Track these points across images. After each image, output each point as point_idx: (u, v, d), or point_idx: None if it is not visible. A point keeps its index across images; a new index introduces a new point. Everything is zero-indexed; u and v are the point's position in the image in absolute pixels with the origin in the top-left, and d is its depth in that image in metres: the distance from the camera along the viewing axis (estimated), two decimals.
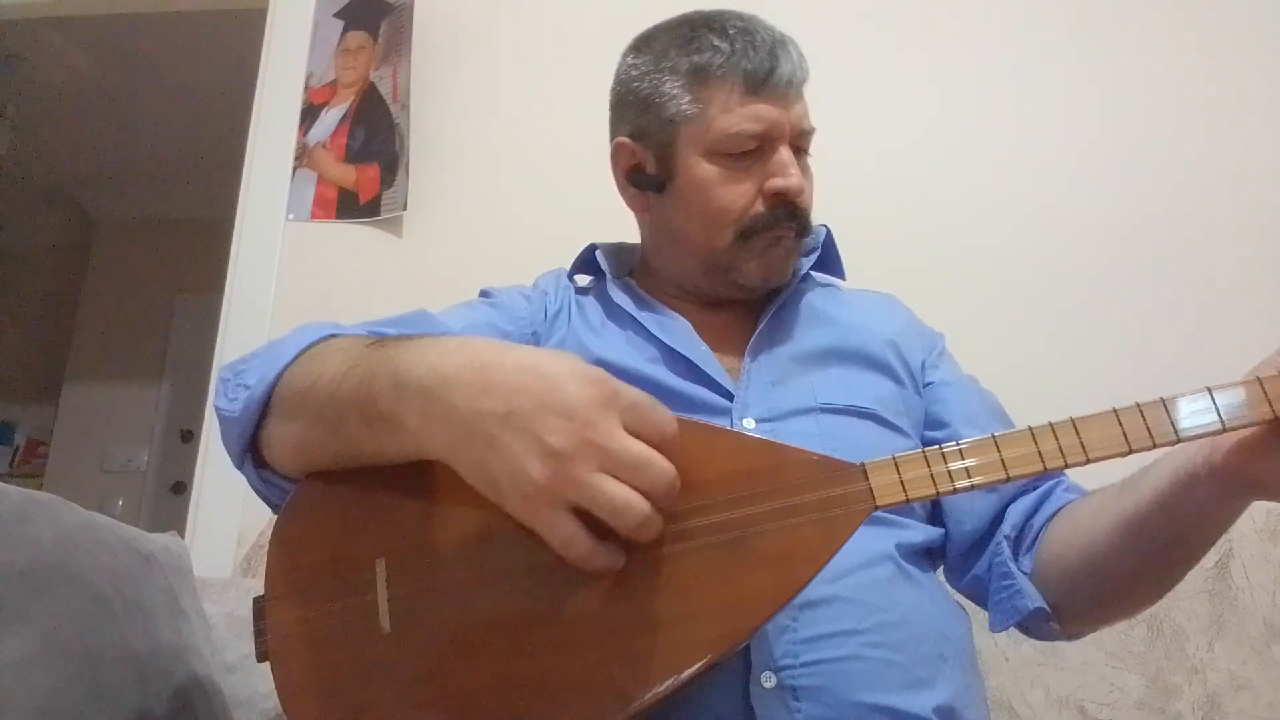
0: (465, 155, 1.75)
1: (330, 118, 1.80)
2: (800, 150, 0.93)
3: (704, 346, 0.90)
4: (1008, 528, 0.85)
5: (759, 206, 0.89)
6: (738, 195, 0.89)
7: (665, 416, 0.59)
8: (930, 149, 1.62)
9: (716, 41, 0.89)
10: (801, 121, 0.91)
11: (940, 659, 0.75)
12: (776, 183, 0.88)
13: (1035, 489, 0.87)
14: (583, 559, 0.57)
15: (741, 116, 0.88)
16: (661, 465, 0.57)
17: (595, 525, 0.57)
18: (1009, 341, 1.46)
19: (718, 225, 0.90)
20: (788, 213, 0.90)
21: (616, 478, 0.56)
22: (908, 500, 0.63)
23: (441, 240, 1.70)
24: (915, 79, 1.66)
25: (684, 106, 0.90)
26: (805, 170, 0.93)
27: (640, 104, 0.94)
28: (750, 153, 0.89)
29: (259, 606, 0.67)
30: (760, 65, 0.88)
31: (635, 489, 0.56)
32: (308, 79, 1.83)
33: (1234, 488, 0.66)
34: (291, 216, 1.74)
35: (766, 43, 0.89)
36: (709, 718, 0.69)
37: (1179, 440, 0.62)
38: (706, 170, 0.90)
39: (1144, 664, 1.21)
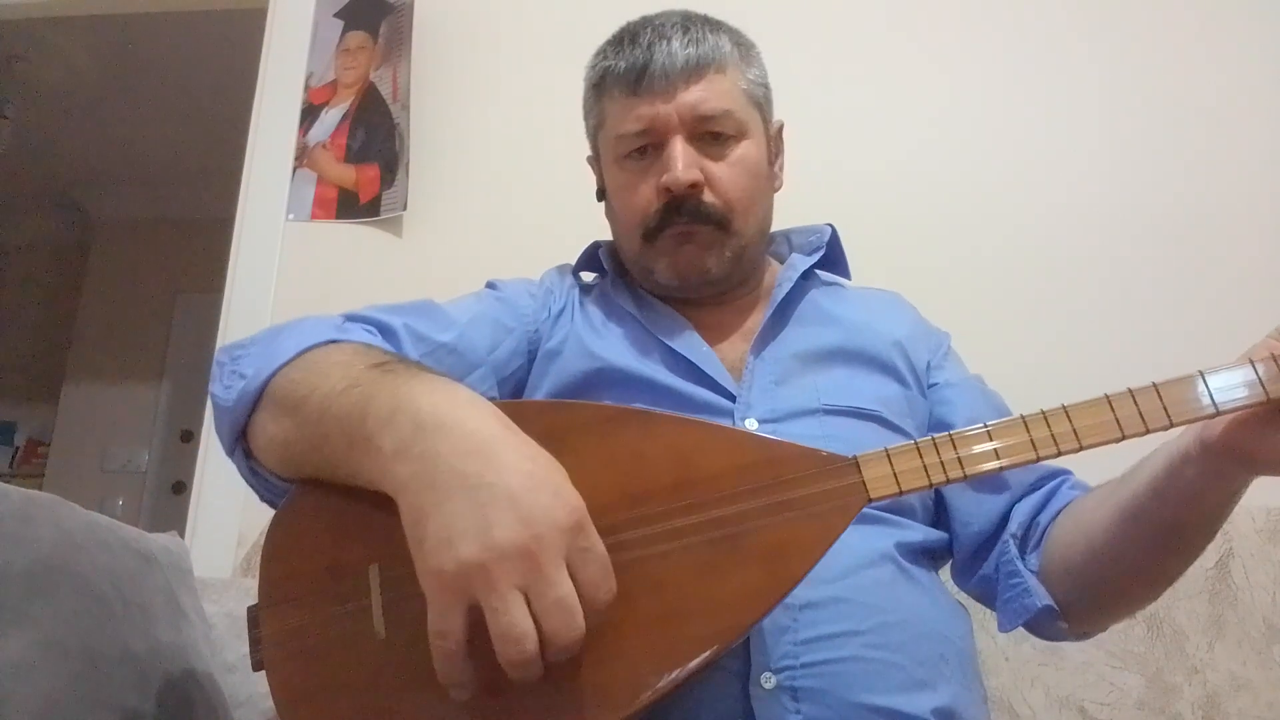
0: (465, 155, 1.75)
1: (330, 118, 1.80)
2: (717, 135, 0.89)
3: (705, 347, 0.89)
4: (1014, 526, 0.85)
5: (654, 205, 0.89)
6: (637, 198, 0.90)
7: (607, 587, 0.56)
8: (935, 148, 1.62)
9: (608, 49, 0.93)
10: (697, 107, 0.87)
11: (940, 660, 0.75)
12: (661, 179, 0.88)
13: (1040, 488, 0.87)
14: (442, 656, 0.54)
15: (623, 120, 0.90)
16: (576, 624, 0.54)
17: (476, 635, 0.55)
18: (1014, 340, 1.46)
19: (628, 229, 0.93)
20: (677, 207, 0.88)
21: (530, 604, 0.53)
22: (901, 492, 0.63)
23: (441, 240, 1.70)
24: (921, 79, 1.66)
25: (594, 119, 0.96)
26: (724, 154, 0.89)
27: (586, 123, 0.99)
28: (645, 152, 0.90)
29: (253, 615, 0.67)
30: (633, 63, 0.89)
31: (540, 626, 0.54)
32: (308, 79, 1.83)
33: (1223, 462, 0.66)
34: (291, 216, 1.74)
35: (645, 42, 0.89)
36: (709, 719, 0.69)
37: (1172, 425, 0.62)
38: (615, 176, 0.94)
39: (1144, 664, 1.21)
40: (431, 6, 1.81)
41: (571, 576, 0.55)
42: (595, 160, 1.00)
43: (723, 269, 0.91)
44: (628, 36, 0.92)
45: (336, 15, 1.87)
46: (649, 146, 0.89)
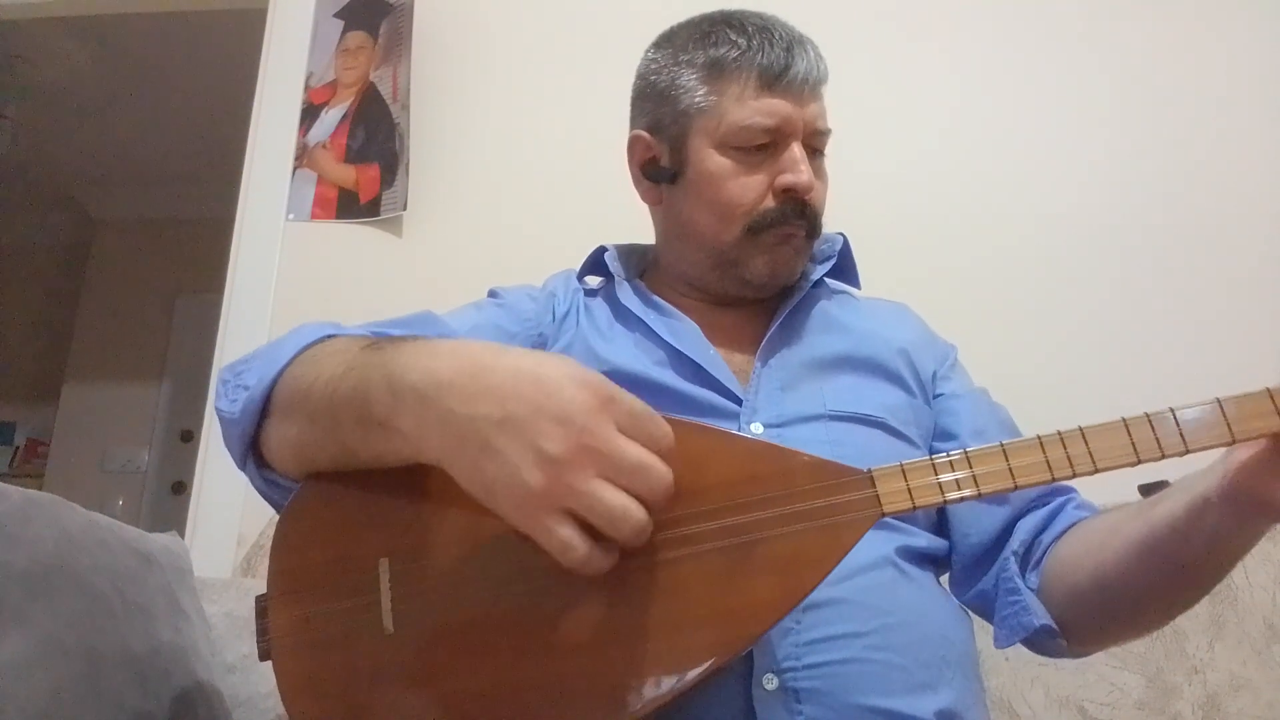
0: (465, 155, 1.75)
1: (330, 118, 1.80)
2: (815, 151, 0.92)
3: (713, 350, 0.89)
4: (1016, 543, 0.84)
5: (769, 202, 0.89)
6: (748, 189, 0.89)
7: (662, 426, 0.59)
8: (944, 158, 1.62)
9: (734, 36, 0.90)
10: (816, 121, 0.91)
11: (943, 662, 0.75)
12: (787, 178, 0.88)
13: (1045, 505, 0.86)
14: (580, 563, 0.56)
15: (754, 110, 0.88)
16: (660, 470, 0.57)
17: (588, 528, 0.57)
18: (1022, 350, 1.46)
19: (727, 218, 0.90)
20: (797, 210, 0.89)
21: (614, 483, 0.56)
22: (914, 508, 0.63)
23: (441, 240, 1.70)
24: (929, 88, 1.66)
25: (698, 99, 0.91)
26: (819, 171, 0.93)
27: (657, 97, 0.95)
28: (762, 148, 0.89)
29: (261, 605, 0.67)
30: (776, 61, 0.88)
31: (632, 494, 0.56)
32: (308, 79, 1.83)
33: (1244, 511, 0.66)
34: (291, 216, 1.75)
35: (783, 40, 0.90)
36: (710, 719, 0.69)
37: (1188, 451, 0.62)
38: (718, 162, 0.90)
39: (1144, 664, 1.21)
40: (431, 6, 1.81)
41: (632, 438, 0.57)
42: (663, 139, 0.94)
43: (799, 272, 0.95)
44: (755, 30, 0.91)
45: (336, 15, 1.87)
46: (769, 143, 0.89)
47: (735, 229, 0.90)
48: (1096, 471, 0.62)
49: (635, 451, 0.56)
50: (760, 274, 0.92)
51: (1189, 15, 1.63)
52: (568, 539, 0.55)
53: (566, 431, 0.55)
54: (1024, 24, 1.67)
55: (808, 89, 0.89)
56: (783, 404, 0.85)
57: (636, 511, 0.56)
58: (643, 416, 0.58)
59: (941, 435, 0.92)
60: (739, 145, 0.89)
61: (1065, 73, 1.63)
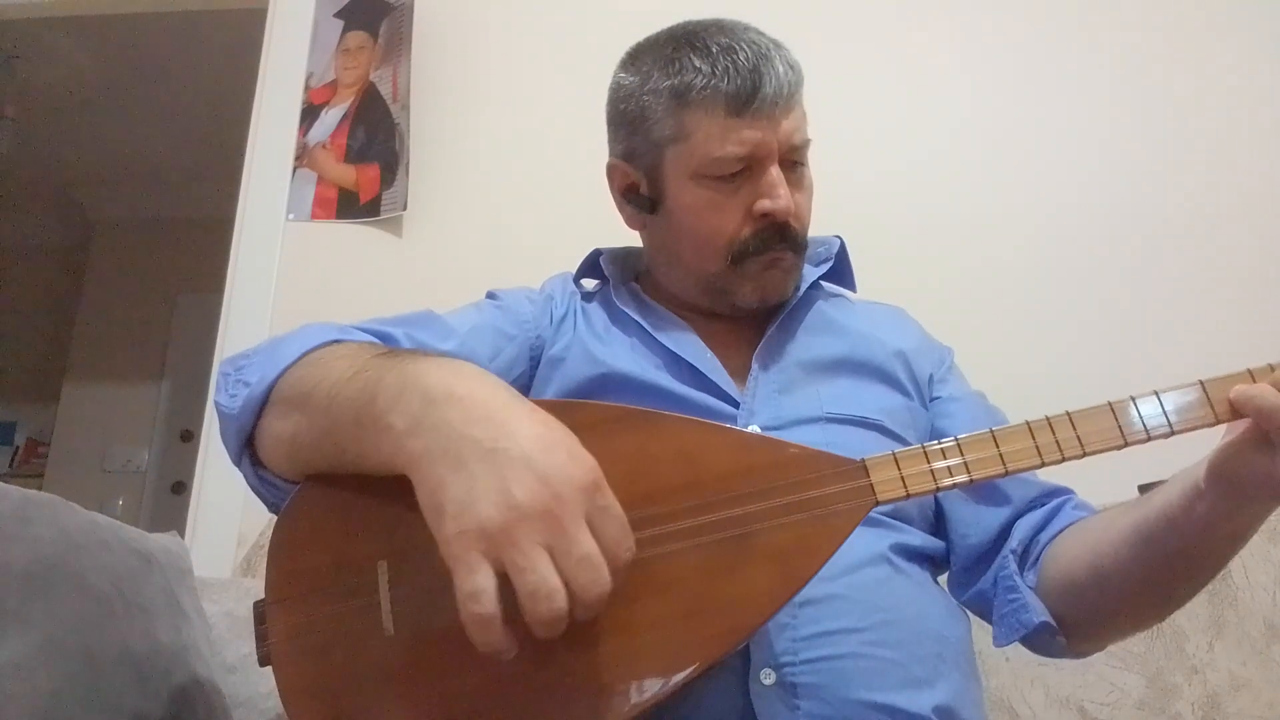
0: (465, 155, 1.75)
1: (330, 118, 1.80)
2: (795, 163, 0.90)
3: (710, 354, 0.89)
4: (1014, 542, 0.84)
5: (747, 229, 0.88)
6: (726, 219, 0.88)
7: (627, 544, 0.56)
8: (941, 162, 1.62)
9: (697, 62, 0.86)
10: (792, 136, 0.87)
11: (939, 659, 0.75)
12: (764, 204, 0.86)
13: (1043, 505, 0.87)
14: (478, 621, 0.53)
15: (725, 140, 0.85)
16: (603, 579, 0.54)
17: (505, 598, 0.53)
18: (1019, 354, 1.46)
19: (709, 250, 0.89)
20: (778, 234, 0.88)
21: (556, 562, 0.53)
22: (908, 495, 0.64)
23: (441, 240, 1.70)
24: (928, 92, 1.66)
25: (669, 130, 0.88)
26: (800, 182, 0.91)
27: (629, 125, 0.93)
28: (737, 174, 0.87)
29: (260, 610, 0.67)
30: (742, 87, 0.85)
31: (566, 582, 0.53)
32: (308, 79, 1.83)
33: (1232, 493, 0.66)
34: (291, 216, 1.75)
35: (749, 61, 0.85)
36: (709, 715, 0.69)
37: (1173, 433, 0.63)
38: (694, 194, 0.88)
39: (1144, 664, 1.21)
40: (431, 7, 1.82)
41: (593, 534, 0.55)
42: (639, 168, 0.93)
43: (790, 290, 0.94)
44: (720, 50, 0.86)
45: (336, 15, 1.87)
46: (744, 169, 0.87)
47: (719, 260, 0.89)
48: (1085, 455, 0.63)
49: (592, 547, 0.54)
50: (750, 299, 0.91)
51: (1189, 20, 1.63)
52: (481, 588, 0.53)
53: (540, 490, 0.54)
54: (1021, 29, 1.67)
55: (779, 108, 0.86)
56: (780, 406, 0.85)
57: (559, 601, 0.53)
58: (616, 520, 0.56)
59: (938, 438, 0.92)
60: (713, 175, 0.87)
61: (1064, 78, 1.63)
